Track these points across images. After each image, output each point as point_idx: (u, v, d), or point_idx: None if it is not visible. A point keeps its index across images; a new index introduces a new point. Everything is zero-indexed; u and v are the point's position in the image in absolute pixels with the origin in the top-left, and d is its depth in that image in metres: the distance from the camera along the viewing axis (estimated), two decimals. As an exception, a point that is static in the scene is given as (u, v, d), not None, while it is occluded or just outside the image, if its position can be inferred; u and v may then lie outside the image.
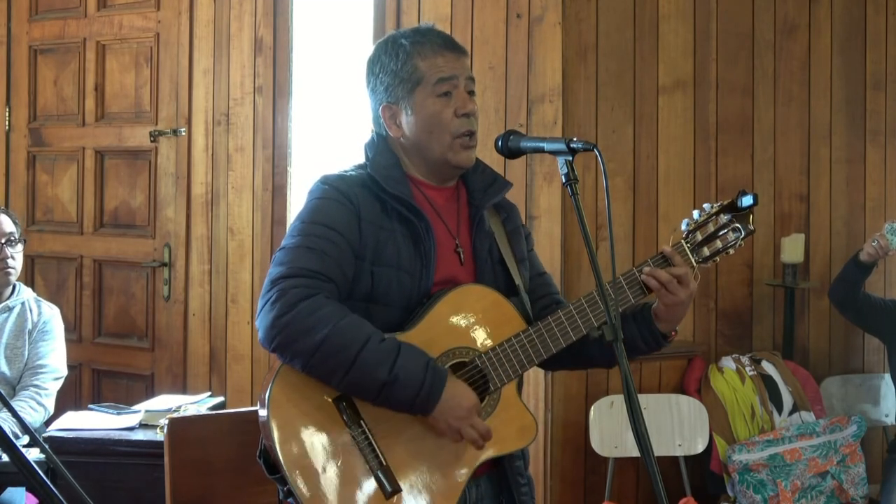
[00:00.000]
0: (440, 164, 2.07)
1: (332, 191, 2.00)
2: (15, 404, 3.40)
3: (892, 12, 4.16)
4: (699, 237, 2.05)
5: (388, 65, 2.06)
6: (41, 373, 3.53)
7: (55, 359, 3.60)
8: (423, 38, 2.07)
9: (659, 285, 1.99)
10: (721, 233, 2.05)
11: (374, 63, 2.10)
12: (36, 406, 3.45)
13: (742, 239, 2.05)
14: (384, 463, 1.90)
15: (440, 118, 2.03)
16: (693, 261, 2.04)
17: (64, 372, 3.64)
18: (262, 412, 1.89)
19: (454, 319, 1.98)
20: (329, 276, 1.91)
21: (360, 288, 1.96)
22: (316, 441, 1.89)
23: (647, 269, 2.01)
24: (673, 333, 2.08)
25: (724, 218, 2.05)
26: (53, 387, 3.57)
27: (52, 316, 3.67)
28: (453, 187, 2.13)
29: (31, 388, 3.49)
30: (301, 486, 1.86)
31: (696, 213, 2.07)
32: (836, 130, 4.10)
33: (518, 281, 2.09)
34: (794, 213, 4.02)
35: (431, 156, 2.06)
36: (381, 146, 2.09)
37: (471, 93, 2.07)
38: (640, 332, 2.05)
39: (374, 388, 1.86)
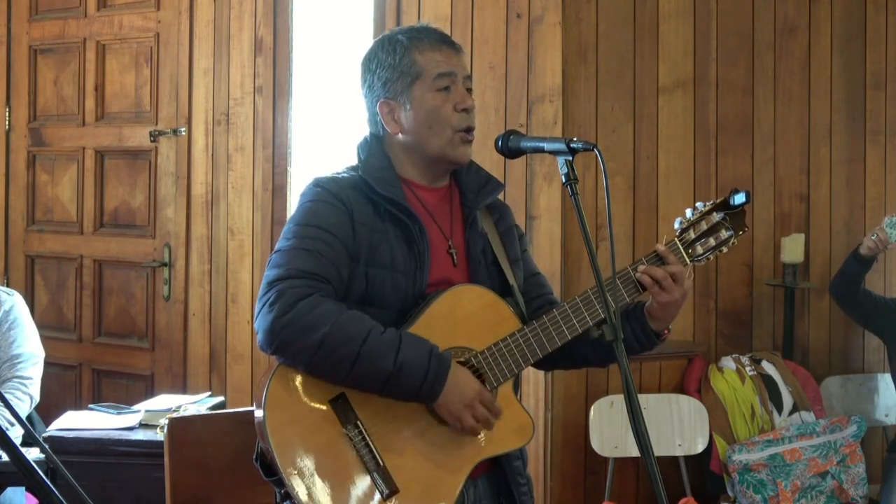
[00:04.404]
0: (437, 160, 2.06)
1: (324, 193, 2.00)
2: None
3: (892, 12, 4.16)
4: (692, 235, 2.06)
5: (386, 60, 2.06)
6: (20, 362, 3.52)
7: (30, 345, 3.58)
8: (419, 34, 2.07)
9: (653, 283, 1.99)
10: (714, 231, 2.06)
11: (370, 60, 2.10)
12: (22, 396, 3.46)
13: (735, 237, 2.07)
14: (381, 463, 1.90)
15: (440, 112, 2.02)
16: (686, 258, 2.04)
17: (41, 354, 3.62)
18: (259, 414, 1.89)
19: (450, 319, 1.97)
20: (325, 277, 1.91)
21: (354, 290, 1.96)
22: (313, 442, 1.88)
23: (641, 267, 2.01)
24: (666, 332, 2.08)
25: (716, 216, 2.06)
26: (36, 373, 3.55)
27: (13, 303, 3.63)
28: (446, 188, 2.13)
29: (15, 380, 3.48)
30: (298, 488, 1.85)
31: (689, 212, 2.08)
32: (836, 130, 4.10)
33: (512, 281, 2.09)
34: (794, 213, 4.02)
35: (430, 151, 2.05)
36: (374, 147, 2.09)
37: (468, 90, 2.07)
38: (633, 331, 2.06)
39: (380, 380, 1.86)
